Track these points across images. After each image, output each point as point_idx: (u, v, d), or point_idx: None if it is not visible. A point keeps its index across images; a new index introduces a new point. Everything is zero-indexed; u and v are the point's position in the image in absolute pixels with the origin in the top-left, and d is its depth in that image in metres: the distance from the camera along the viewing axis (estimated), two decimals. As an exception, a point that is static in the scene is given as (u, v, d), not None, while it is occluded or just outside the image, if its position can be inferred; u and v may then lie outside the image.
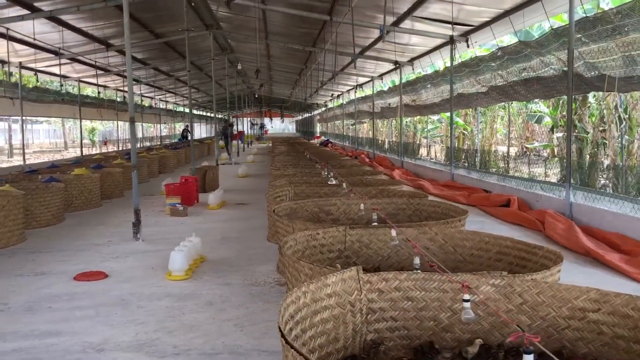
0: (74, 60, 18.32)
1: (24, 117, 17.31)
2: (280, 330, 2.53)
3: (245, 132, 46.84)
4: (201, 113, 53.96)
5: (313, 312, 3.18)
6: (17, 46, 15.18)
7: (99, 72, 20.42)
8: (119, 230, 8.10)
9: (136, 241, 7.32)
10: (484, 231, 7.95)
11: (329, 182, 8.94)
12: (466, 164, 14.88)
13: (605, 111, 11.78)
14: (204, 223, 8.81)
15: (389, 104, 21.34)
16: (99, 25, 14.61)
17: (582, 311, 3.31)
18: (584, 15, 8.22)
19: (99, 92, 23.68)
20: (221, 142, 26.05)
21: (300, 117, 68.80)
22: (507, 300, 3.48)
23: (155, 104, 36.60)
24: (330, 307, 3.32)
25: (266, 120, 70.65)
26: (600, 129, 12.53)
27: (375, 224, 5.70)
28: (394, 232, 4.74)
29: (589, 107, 12.95)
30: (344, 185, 7.96)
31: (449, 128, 15.02)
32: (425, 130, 24.22)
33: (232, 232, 8.04)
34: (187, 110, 44.59)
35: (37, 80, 19.18)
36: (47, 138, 56.46)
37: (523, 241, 4.68)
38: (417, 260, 4.10)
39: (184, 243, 5.92)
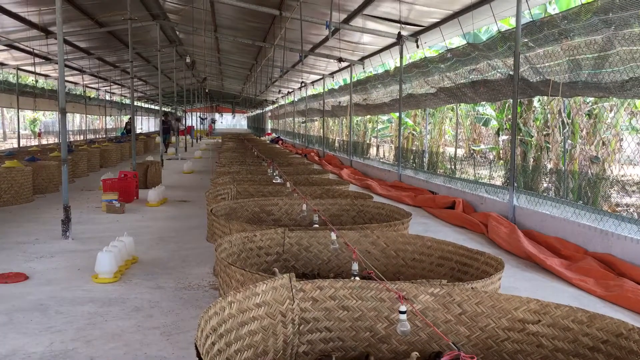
0: (11, 47, 17.41)
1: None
2: (197, 349, 2.29)
3: (195, 127, 46.02)
4: (150, 106, 52.70)
5: (240, 324, 2.95)
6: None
7: (38, 60, 19.50)
8: (48, 228, 7.63)
9: (65, 240, 6.90)
10: (428, 233, 7.91)
11: (273, 181, 8.70)
12: (414, 165, 14.89)
13: (549, 115, 11.95)
14: (141, 221, 8.42)
15: (340, 103, 21.24)
16: (35, 10, 13.87)
17: (522, 322, 3.19)
18: (531, 20, 8.25)
19: (36, 81, 22.64)
20: (158, 138, 24.03)
21: (252, 114, 68.17)
22: (446, 310, 3.33)
23: (101, 95, 35.44)
24: (259, 318, 3.09)
25: (217, 116, 69.78)
26: (545, 132, 12.72)
27: (317, 225, 5.50)
28: (333, 236, 4.55)
29: (533, 111, 13.14)
30: (288, 184, 7.73)
31: (400, 128, 14.98)
32: (375, 129, 24.24)
33: (169, 231, 7.70)
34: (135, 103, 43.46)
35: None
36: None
37: (465, 246, 4.57)
38: (355, 266, 3.91)
39: (114, 243, 5.58)
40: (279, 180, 8.66)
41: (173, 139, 26.21)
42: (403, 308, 2.90)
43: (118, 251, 5.44)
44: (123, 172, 10.74)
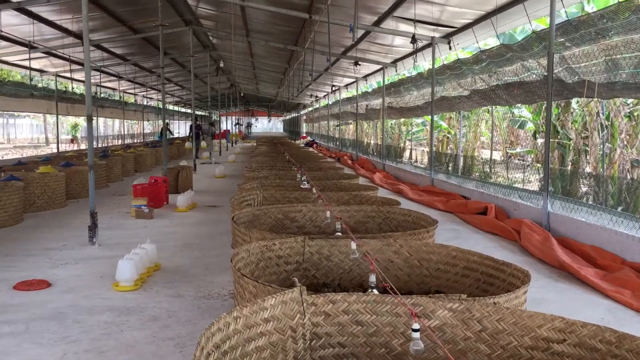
0: (49, 54, 17.81)
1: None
2: (192, 369, 2.19)
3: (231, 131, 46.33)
4: (187, 111, 53.37)
5: (246, 340, 2.84)
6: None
7: (75, 67, 19.91)
8: (77, 234, 7.68)
9: (92, 246, 6.94)
10: (458, 240, 7.69)
11: (301, 186, 8.60)
12: (449, 169, 14.59)
13: (587, 117, 11.54)
14: (169, 227, 8.43)
15: (369, 106, 21.07)
16: (69, 18, 14.14)
17: (546, 341, 3.00)
18: (567, 19, 7.95)
19: (72, 87, 23.13)
20: (188, 144, 22.47)
21: (287, 117, 68.40)
22: (466, 326, 3.16)
23: (139, 101, 36.05)
24: (267, 334, 2.98)
25: (252, 120, 70.27)
26: (583, 135, 12.30)
27: (339, 234, 5.37)
28: (353, 245, 4.40)
29: (572, 112, 12.72)
30: (314, 190, 7.61)
31: (432, 131, 14.71)
32: (410, 132, 23.94)
33: (195, 237, 7.67)
34: (170, 107, 44.07)
35: (7, 75, 18.63)
36: (31, 133, 55.75)
37: (491, 257, 4.37)
38: (372, 278, 3.75)
39: (135, 250, 5.55)
40: (306, 186, 8.56)
41: (203, 143, 25.48)
42: (416, 326, 2.75)
43: (139, 259, 5.42)
44: (153, 177, 10.80)
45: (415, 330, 2.74)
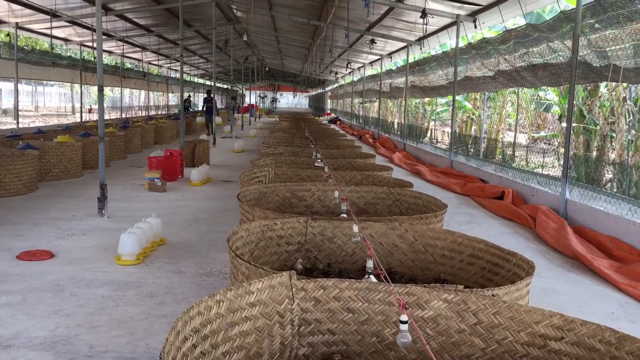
0: (74, 23, 17.82)
1: (20, 79, 16.93)
2: (160, 358, 2.10)
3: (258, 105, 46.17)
4: (211, 84, 53.37)
5: (229, 325, 2.76)
6: (14, 6, 14.74)
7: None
8: (89, 204, 7.67)
9: (100, 217, 6.93)
10: (471, 225, 7.52)
11: (315, 164, 8.48)
12: (472, 150, 14.30)
13: (615, 103, 11.15)
14: (180, 200, 8.40)
15: (395, 84, 20.73)
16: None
17: (543, 338, 2.86)
18: (595, -1, 7.61)
19: (94, 57, 23.22)
20: (199, 119, 21.19)
21: (312, 93, 68.02)
22: (460, 319, 3.03)
23: (164, 72, 36.09)
24: (252, 318, 2.89)
25: (277, 95, 70.05)
26: (610, 120, 11.91)
27: (344, 215, 5.25)
28: (355, 228, 4.27)
29: (600, 97, 12.31)
30: (326, 168, 7.48)
31: (454, 112, 14.41)
32: (434, 112, 23.56)
33: (205, 212, 7.63)
34: (196, 79, 44.07)
35: (35, 43, 18.71)
36: (59, 102, 56.41)
37: (497, 245, 4.21)
38: (369, 264, 3.63)
39: (139, 224, 5.51)
40: (320, 164, 8.43)
41: (218, 119, 22.11)
42: (404, 317, 2.63)
43: (143, 233, 5.37)
44: (169, 150, 10.77)
45: (403, 322, 2.63)
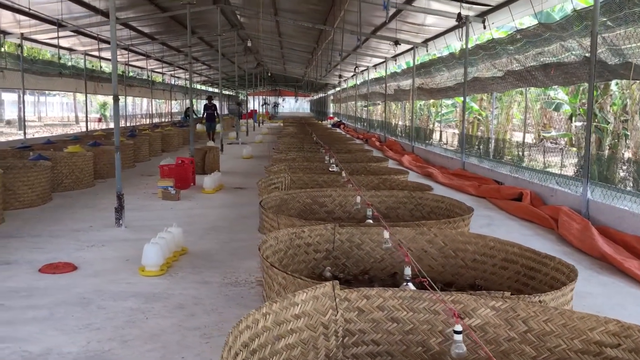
0: (78, 32, 17.78)
1: (25, 90, 16.88)
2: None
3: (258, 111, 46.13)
4: (215, 90, 53.39)
5: (276, 338, 2.68)
6: (19, 17, 14.69)
7: (103, 45, 19.89)
8: (104, 215, 7.61)
9: (118, 227, 6.85)
10: (491, 227, 7.42)
11: (330, 169, 8.41)
12: (480, 152, 14.22)
13: (628, 100, 11.06)
14: (195, 209, 8.32)
15: (401, 87, 20.66)
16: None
17: (598, 345, 2.77)
18: (612, -4, 7.53)
19: (100, 66, 23.19)
20: (200, 126, 20.61)
21: (314, 97, 68.00)
22: (510, 326, 2.95)
23: (167, 80, 36.07)
24: (298, 330, 2.81)
25: (279, 99, 70.01)
26: (622, 119, 11.83)
27: (370, 221, 5.16)
28: (386, 234, 4.19)
29: (611, 95, 12.23)
30: (343, 174, 7.40)
31: (464, 113, 14.33)
32: (439, 114, 23.49)
33: (222, 220, 7.55)
34: (199, 86, 44.07)
35: (37, 53, 18.68)
36: (61, 111, 56.46)
37: (532, 249, 4.13)
38: (407, 271, 3.56)
39: (162, 234, 5.43)
40: (335, 169, 8.36)
41: (219, 127, 21.15)
42: (459, 327, 2.56)
43: (165, 243, 5.29)
44: (180, 158, 10.70)
45: (457, 333, 2.55)
